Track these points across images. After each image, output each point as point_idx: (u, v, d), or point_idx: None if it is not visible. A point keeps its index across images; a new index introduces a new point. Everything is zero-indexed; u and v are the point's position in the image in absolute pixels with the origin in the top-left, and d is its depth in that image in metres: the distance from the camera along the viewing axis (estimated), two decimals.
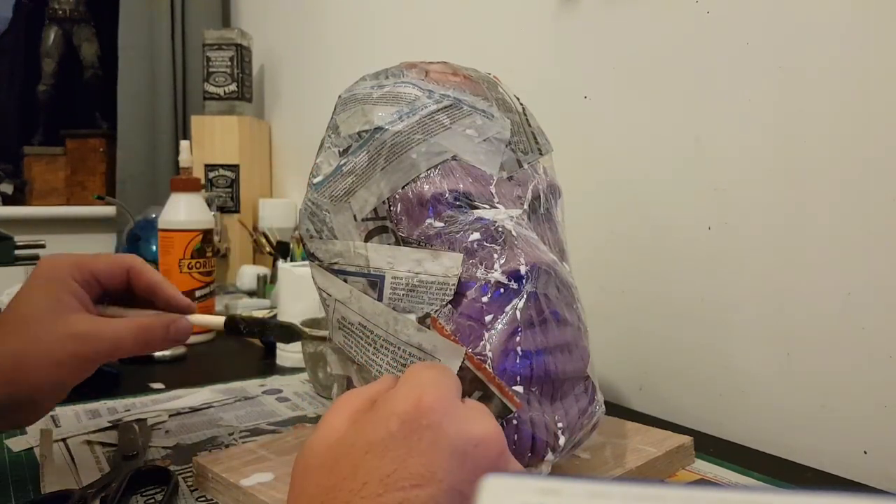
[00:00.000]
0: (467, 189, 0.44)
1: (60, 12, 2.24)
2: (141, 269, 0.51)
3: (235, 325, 0.57)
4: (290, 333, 0.61)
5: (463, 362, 0.42)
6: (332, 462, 0.29)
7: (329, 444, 0.30)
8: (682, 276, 0.71)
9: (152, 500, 0.49)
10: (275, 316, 0.92)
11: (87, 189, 2.13)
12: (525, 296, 0.43)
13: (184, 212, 0.96)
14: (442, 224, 0.44)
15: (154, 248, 1.04)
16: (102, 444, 0.59)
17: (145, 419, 0.64)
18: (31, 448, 0.58)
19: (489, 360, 0.42)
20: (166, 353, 0.87)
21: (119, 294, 0.51)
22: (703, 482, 0.52)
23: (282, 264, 0.91)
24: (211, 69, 1.64)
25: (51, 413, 0.67)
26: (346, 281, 0.46)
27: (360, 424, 0.30)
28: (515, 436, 0.42)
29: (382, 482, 0.27)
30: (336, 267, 0.47)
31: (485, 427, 0.31)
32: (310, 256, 0.49)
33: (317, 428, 0.32)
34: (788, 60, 0.61)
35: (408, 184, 0.44)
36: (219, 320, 0.57)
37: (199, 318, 0.54)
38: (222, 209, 1.56)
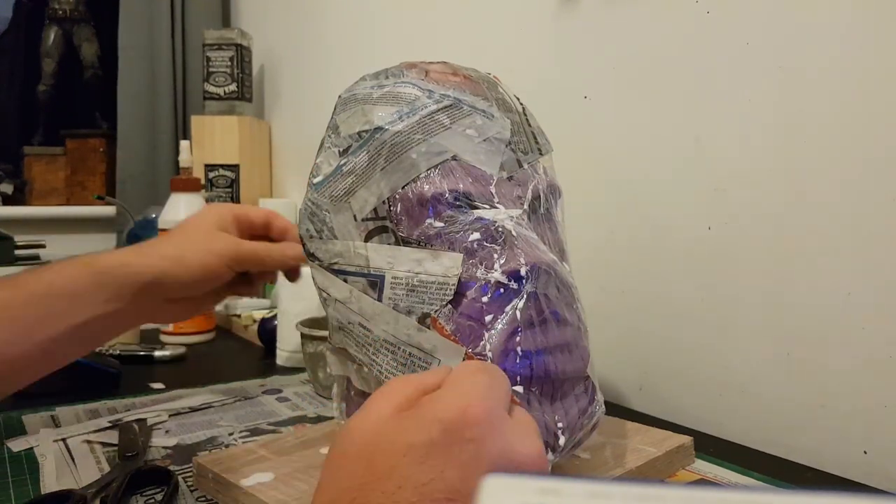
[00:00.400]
0: (467, 189, 0.44)
1: (60, 12, 2.24)
2: (277, 217, 0.67)
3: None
4: None
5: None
6: (369, 455, 0.29)
7: (370, 433, 0.30)
8: (682, 276, 0.71)
9: (152, 500, 0.49)
10: (274, 316, 0.92)
11: (87, 189, 2.13)
12: (525, 296, 0.43)
13: (184, 212, 0.96)
14: (442, 224, 0.44)
15: None
16: (102, 444, 0.59)
17: (145, 419, 0.65)
18: (31, 448, 0.58)
19: (489, 360, 0.42)
20: (166, 352, 0.87)
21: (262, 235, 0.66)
22: (703, 482, 0.52)
23: None
24: (211, 69, 1.64)
25: (51, 413, 0.67)
26: (346, 281, 0.46)
27: (403, 421, 0.30)
28: None
29: (417, 490, 0.27)
30: (336, 267, 0.47)
31: (529, 449, 0.30)
32: (310, 256, 0.49)
33: (361, 409, 0.31)
34: (788, 60, 0.61)
35: (408, 184, 0.44)
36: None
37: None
38: None
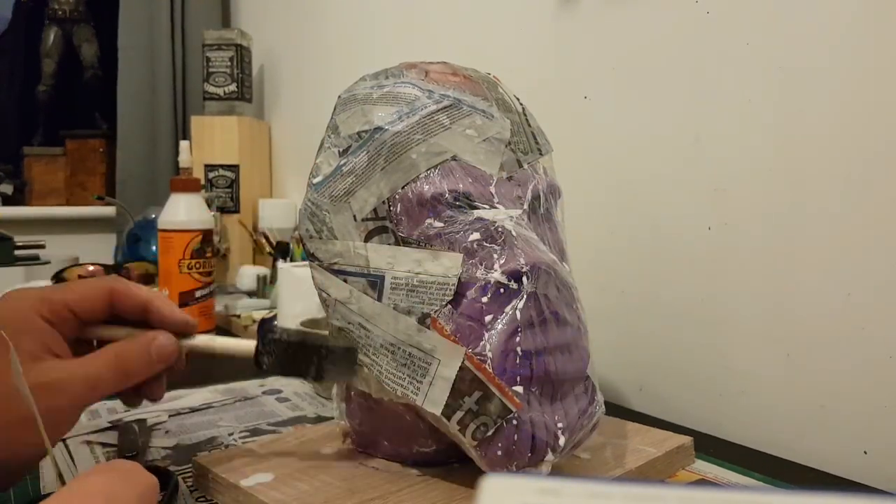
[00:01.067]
0: (467, 189, 0.44)
1: (60, 12, 2.24)
2: (124, 289, 0.43)
3: (269, 350, 0.45)
4: (350, 358, 0.45)
5: (463, 362, 0.42)
6: None
7: None
8: (682, 276, 0.71)
9: None
10: (274, 317, 0.92)
11: (86, 189, 2.13)
12: (525, 296, 0.43)
13: (183, 212, 0.96)
14: (442, 224, 0.44)
15: (154, 248, 1.04)
16: (102, 444, 0.59)
17: (145, 419, 0.65)
18: None
19: (489, 360, 0.42)
20: None
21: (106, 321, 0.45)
22: (703, 482, 0.52)
23: (282, 264, 0.91)
24: (211, 69, 1.64)
25: None
26: (346, 281, 0.46)
27: None
28: (515, 436, 0.42)
29: None
30: (336, 267, 0.47)
31: None
32: (310, 256, 0.49)
33: None
34: (788, 60, 0.61)
35: (408, 184, 0.44)
36: (247, 346, 0.47)
37: (219, 342, 0.47)
38: (222, 209, 1.56)
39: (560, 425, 0.44)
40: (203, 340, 0.47)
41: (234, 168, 1.59)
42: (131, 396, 0.45)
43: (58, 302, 0.41)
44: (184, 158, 1.03)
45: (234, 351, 0.48)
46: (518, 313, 0.43)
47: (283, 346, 0.46)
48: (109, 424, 0.63)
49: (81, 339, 0.43)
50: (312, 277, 0.49)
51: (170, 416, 0.66)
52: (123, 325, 0.45)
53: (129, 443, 0.57)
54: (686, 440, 0.55)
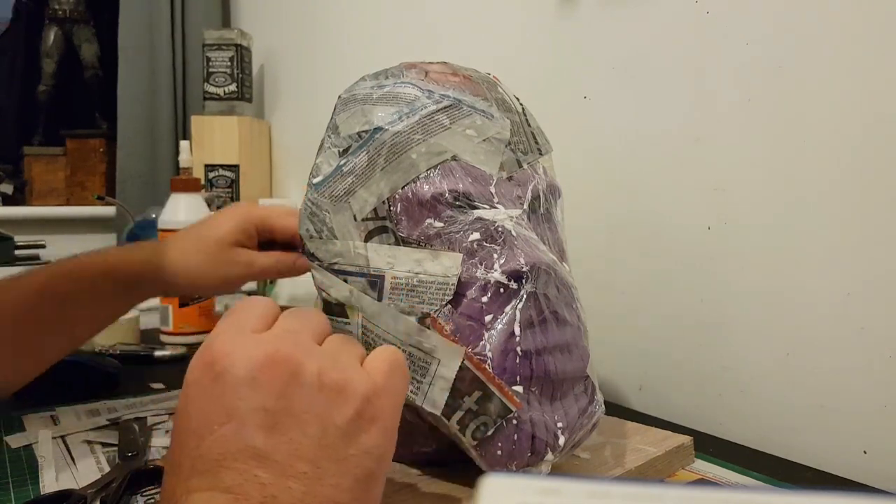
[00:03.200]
0: (467, 189, 0.44)
1: (60, 12, 2.24)
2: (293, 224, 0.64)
3: None
4: None
5: (463, 362, 0.42)
6: (184, 404, 0.32)
7: (188, 381, 0.33)
8: (682, 275, 0.71)
9: (152, 501, 0.49)
10: None
11: (87, 189, 2.13)
12: (525, 296, 0.43)
13: (184, 212, 0.96)
14: (442, 224, 0.44)
15: None
16: (102, 443, 0.59)
17: (145, 418, 0.65)
18: (31, 445, 0.58)
19: (489, 360, 0.42)
20: (166, 352, 0.87)
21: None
22: (703, 482, 0.52)
23: None
24: (211, 69, 1.64)
25: (50, 413, 0.67)
26: (346, 281, 0.46)
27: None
28: (515, 435, 0.42)
29: (195, 433, 0.30)
30: (336, 267, 0.47)
31: (263, 351, 0.31)
32: (310, 257, 0.49)
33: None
34: (788, 60, 0.61)
35: (408, 184, 0.44)
36: None
37: None
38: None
39: (560, 425, 0.44)
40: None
41: (234, 168, 1.59)
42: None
43: (269, 222, 0.63)
44: (184, 158, 1.03)
45: None
46: (518, 313, 0.43)
47: None
48: (108, 422, 0.63)
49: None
50: (312, 277, 0.49)
51: (169, 415, 0.66)
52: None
53: (129, 442, 0.57)
54: (686, 440, 0.55)
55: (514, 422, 0.42)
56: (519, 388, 0.42)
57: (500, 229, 0.44)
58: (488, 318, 0.43)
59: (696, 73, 0.69)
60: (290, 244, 0.65)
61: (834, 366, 0.59)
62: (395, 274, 0.44)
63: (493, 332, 0.42)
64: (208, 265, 0.60)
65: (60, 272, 0.58)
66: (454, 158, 0.45)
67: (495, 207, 0.45)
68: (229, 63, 1.63)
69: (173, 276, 0.61)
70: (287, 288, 0.87)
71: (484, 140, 0.47)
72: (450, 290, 0.43)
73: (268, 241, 0.65)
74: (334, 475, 0.29)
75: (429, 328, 0.43)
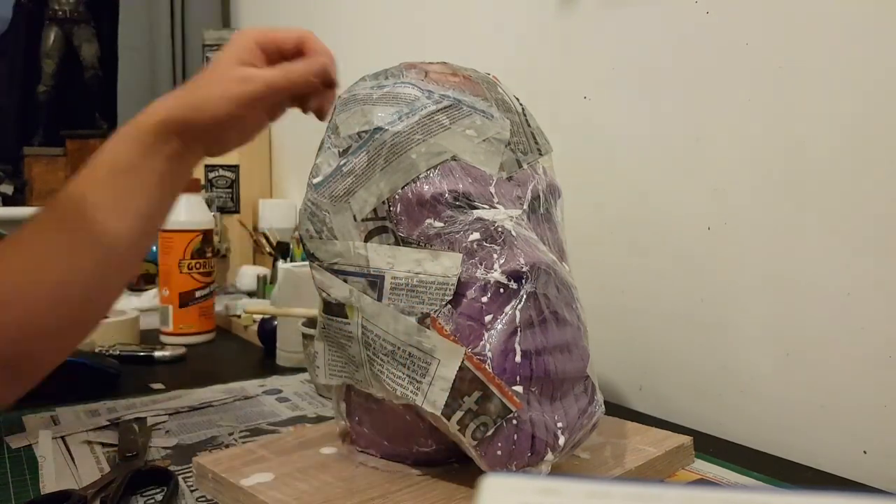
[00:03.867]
0: (467, 189, 0.44)
1: (60, 13, 2.24)
2: (310, 40, 0.60)
3: None
4: None
5: (463, 362, 0.42)
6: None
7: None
8: (682, 276, 0.71)
9: (152, 501, 0.49)
10: (274, 317, 0.92)
11: None
12: (525, 296, 0.43)
13: (184, 212, 0.96)
14: (442, 224, 0.44)
15: (154, 248, 1.05)
16: (102, 444, 0.59)
17: (145, 418, 0.65)
18: (31, 445, 0.58)
19: (489, 360, 0.42)
20: (166, 353, 0.87)
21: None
22: (702, 482, 0.52)
23: (282, 264, 0.91)
24: None
25: (51, 413, 0.67)
26: (346, 281, 0.46)
27: None
28: (515, 435, 0.42)
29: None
30: (336, 267, 0.47)
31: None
32: (310, 256, 0.49)
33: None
34: (788, 60, 0.61)
35: (407, 184, 0.44)
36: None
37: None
38: (222, 209, 1.56)
39: (560, 425, 0.44)
40: None
41: (234, 168, 1.59)
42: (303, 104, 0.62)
43: (270, 38, 0.59)
44: None
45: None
46: (518, 313, 0.43)
47: None
48: (108, 422, 0.63)
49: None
50: (312, 277, 0.49)
51: (169, 415, 0.66)
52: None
53: (128, 442, 0.57)
54: (686, 440, 0.55)
55: (514, 422, 0.42)
56: (519, 388, 0.42)
57: (500, 229, 0.44)
58: (488, 318, 0.43)
59: (696, 73, 0.69)
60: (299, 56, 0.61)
61: (834, 366, 0.59)
62: (395, 274, 0.44)
63: (493, 332, 0.42)
64: (221, 88, 0.56)
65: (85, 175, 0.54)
66: (454, 158, 0.45)
67: (495, 207, 0.45)
68: None
69: (196, 113, 0.56)
70: (288, 289, 0.87)
71: (484, 140, 0.47)
72: (450, 290, 0.43)
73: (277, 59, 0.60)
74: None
75: (429, 328, 0.43)
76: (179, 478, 0.52)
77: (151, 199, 0.55)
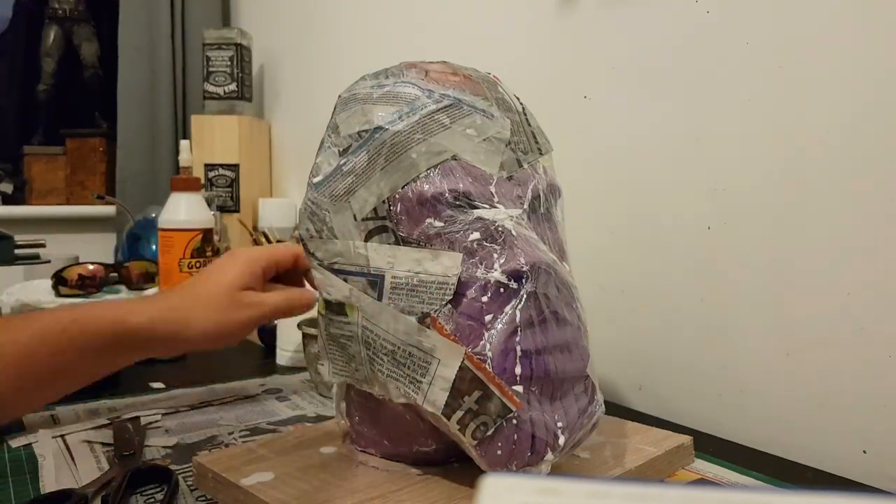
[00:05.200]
0: (467, 189, 0.44)
1: (60, 12, 2.24)
2: (302, 254, 0.60)
3: None
4: None
5: (463, 362, 0.42)
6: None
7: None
8: (682, 276, 0.71)
9: (152, 500, 0.49)
10: None
11: (86, 189, 2.12)
12: (525, 295, 0.43)
13: (184, 211, 0.96)
14: (442, 224, 0.44)
15: (154, 247, 1.04)
16: (102, 443, 0.59)
17: (138, 417, 0.65)
18: (31, 444, 0.58)
19: (489, 360, 0.42)
20: None
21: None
22: (702, 482, 0.52)
23: None
24: (211, 69, 1.64)
25: (51, 412, 0.67)
26: (346, 281, 0.46)
27: None
28: (515, 435, 0.42)
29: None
30: (336, 267, 0.47)
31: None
32: (310, 256, 0.49)
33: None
34: (788, 60, 0.61)
35: (408, 183, 0.44)
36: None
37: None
38: (222, 209, 1.56)
39: (560, 424, 0.44)
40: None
41: (234, 167, 1.59)
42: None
43: (274, 258, 0.61)
44: (184, 157, 1.03)
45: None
46: (518, 313, 0.43)
47: None
48: (108, 422, 0.63)
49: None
50: (313, 277, 0.49)
51: (163, 414, 0.66)
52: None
53: (124, 441, 0.57)
54: (685, 439, 0.55)
55: (514, 422, 0.42)
56: (519, 388, 0.42)
57: (500, 229, 0.44)
58: (488, 317, 0.43)
59: (696, 73, 0.69)
60: (293, 280, 0.63)
61: (833, 366, 0.59)
62: (395, 273, 0.44)
63: (493, 331, 0.42)
64: (220, 314, 0.56)
65: (57, 327, 0.52)
66: (454, 158, 0.45)
67: (495, 207, 0.45)
68: (229, 62, 1.63)
69: (185, 330, 0.55)
70: None
71: (484, 140, 0.47)
72: (450, 289, 0.43)
73: (273, 279, 0.63)
74: None
75: (429, 328, 0.43)
76: (180, 477, 0.52)
77: (67, 389, 0.55)
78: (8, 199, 2.12)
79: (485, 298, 0.43)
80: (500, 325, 0.43)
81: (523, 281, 0.43)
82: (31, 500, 0.48)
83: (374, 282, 0.45)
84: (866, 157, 0.56)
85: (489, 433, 0.42)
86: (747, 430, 0.64)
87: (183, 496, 0.50)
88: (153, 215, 1.37)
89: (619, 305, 0.77)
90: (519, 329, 0.43)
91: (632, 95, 0.75)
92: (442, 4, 1.06)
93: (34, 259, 1.50)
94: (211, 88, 1.64)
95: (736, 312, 0.66)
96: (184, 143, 1.05)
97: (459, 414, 0.42)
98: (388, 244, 0.45)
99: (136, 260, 1.12)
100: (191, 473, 0.52)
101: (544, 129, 0.53)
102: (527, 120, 0.51)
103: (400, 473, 0.48)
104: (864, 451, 0.57)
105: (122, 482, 0.49)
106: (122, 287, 1.00)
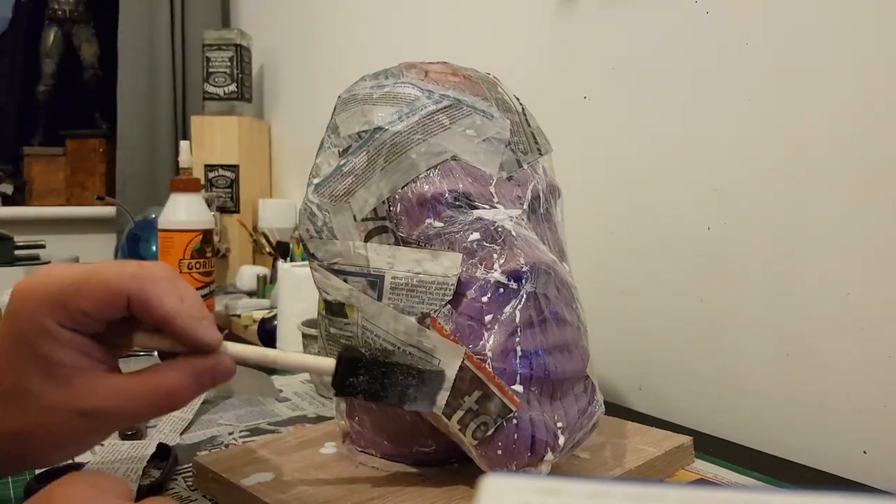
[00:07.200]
0: (467, 189, 0.44)
1: (60, 12, 2.24)
2: (146, 299, 0.35)
3: (353, 372, 0.40)
4: (437, 383, 0.41)
5: (463, 362, 0.42)
6: None
7: None
8: (681, 275, 0.71)
9: (148, 480, 0.49)
10: (274, 317, 0.92)
11: (87, 189, 2.13)
12: (525, 296, 0.43)
13: (184, 212, 0.96)
14: (442, 224, 0.44)
15: (154, 248, 1.05)
16: None
17: None
18: None
19: (489, 360, 0.42)
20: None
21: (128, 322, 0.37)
22: (702, 482, 0.52)
23: (282, 264, 0.91)
24: (211, 69, 1.64)
25: None
26: (346, 281, 0.46)
27: None
28: (515, 435, 0.42)
29: None
30: (336, 267, 0.47)
31: None
32: (310, 256, 0.49)
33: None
34: (788, 60, 0.61)
35: (407, 184, 0.44)
36: (326, 365, 0.41)
37: (291, 358, 0.41)
38: (222, 209, 1.56)
39: (560, 425, 0.44)
40: (272, 355, 0.41)
41: (233, 168, 1.59)
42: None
43: (72, 307, 0.34)
44: (184, 158, 1.03)
45: (310, 367, 0.45)
46: (518, 313, 0.43)
47: (370, 368, 0.41)
48: None
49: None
50: (312, 277, 0.49)
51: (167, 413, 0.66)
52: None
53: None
54: (685, 440, 0.55)
55: (514, 422, 0.42)
56: (519, 388, 0.42)
57: (500, 229, 0.44)
58: (488, 317, 0.43)
59: (696, 73, 0.69)
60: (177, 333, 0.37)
61: (834, 366, 0.59)
62: (395, 274, 0.44)
63: (493, 331, 0.42)
64: (32, 432, 0.34)
65: None
66: (454, 158, 0.45)
67: (495, 207, 0.45)
68: (229, 63, 1.63)
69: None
70: (288, 289, 0.87)
71: (484, 140, 0.47)
72: (449, 290, 0.43)
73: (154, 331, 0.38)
74: None
75: (429, 328, 0.43)
76: (176, 453, 0.53)
77: None
78: (8, 200, 2.12)
79: (484, 299, 0.43)
80: (499, 326, 0.43)
81: (523, 281, 0.43)
82: (44, 472, 0.48)
83: (374, 282, 0.45)
84: (866, 157, 0.56)
85: (489, 433, 0.42)
86: (747, 430, 0.64)
87: (183, 496, 0.50)
88: (153, 216, 1.37)
89: (619, 305, 0.77)
90: (519, 329, 0.43)
91: (632, 95, 0.75)
92: (442, 5, 1.06)
93: (34, 260, 1.50)
94: (211, 89, 1.64)
95: (736, 312, 0.66)
96: (184, 144, 1.05)
97: (460, 414, 0.42)
98: (388, 245, 0.45)
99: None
100: (191, 474, 0.52)
101: (544, 130, 0.53)
102: (526, 120, 0.51)
103: (400, 473, 0.48)
104: (864, 452, 0.57)
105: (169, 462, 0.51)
106: None
